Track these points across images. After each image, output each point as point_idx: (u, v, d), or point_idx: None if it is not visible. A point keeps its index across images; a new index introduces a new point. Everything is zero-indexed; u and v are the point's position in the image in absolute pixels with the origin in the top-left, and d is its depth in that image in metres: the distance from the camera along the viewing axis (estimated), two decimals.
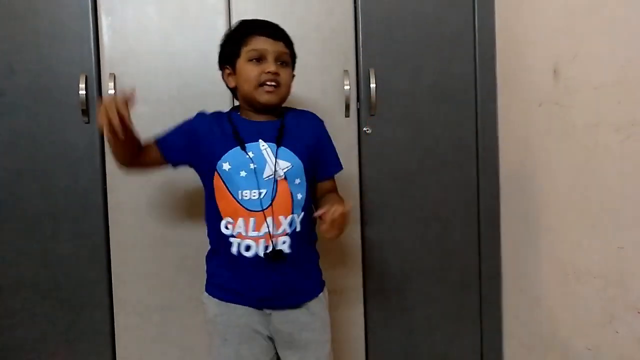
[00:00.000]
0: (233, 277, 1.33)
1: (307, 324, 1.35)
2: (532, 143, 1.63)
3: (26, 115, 1.66)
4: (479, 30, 1.80)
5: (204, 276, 1.40)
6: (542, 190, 1.59)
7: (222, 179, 1.30)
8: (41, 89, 1.66)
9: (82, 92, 1.64)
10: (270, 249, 1.28)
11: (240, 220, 1.29)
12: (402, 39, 1.77)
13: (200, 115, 1.38)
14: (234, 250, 1.30)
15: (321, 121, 1.42)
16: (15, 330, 1.71)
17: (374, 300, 1.82)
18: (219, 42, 1.38)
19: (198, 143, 1.33)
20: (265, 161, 1.29)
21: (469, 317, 1.87)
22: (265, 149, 1.30)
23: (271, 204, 1.28)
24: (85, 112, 1.65)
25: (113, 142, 1.22)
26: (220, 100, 1.63)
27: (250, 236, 1.28)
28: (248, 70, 1.30)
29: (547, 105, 1.53)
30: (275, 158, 1.29)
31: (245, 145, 1.30)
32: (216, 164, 1.30)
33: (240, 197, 1.29)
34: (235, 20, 1.68)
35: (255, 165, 1.28)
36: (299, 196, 1.31)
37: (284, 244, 1.29)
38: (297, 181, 1.31)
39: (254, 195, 1.28)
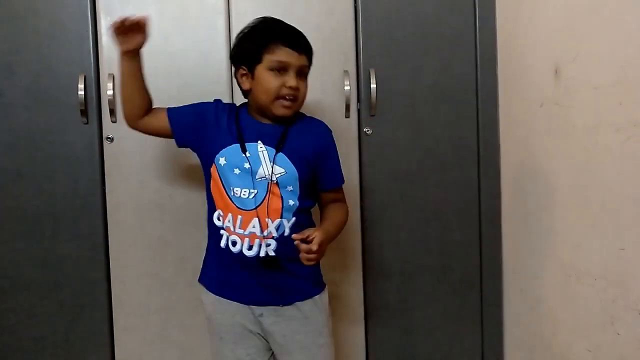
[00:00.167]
0: (220, 270, 1.36)
1: (299, 328, 1.34)
2: (532, 143, 1.63)
3: (25, 116, 1.66)
4: (479, 31, 1.79)
5: None
6: (543, 191, 1.58)
7: (218, 172, 1.31)
8: (40, 89, 1.66)
9: (81, 92, 1.64)
10: (255, 250, 1.28)
11: (229, 216, 1.30)
12: (403, 39, 1.77)
13: (216, 102, 1.39)
14: (222, 243, 1.32)
15: (329, 132, 1.40)
16: (15, 330, 1.72)
17: (374, 301, 1.82)
18: (238, 35, 1.35)
19: (204, 128, 1.34)
20: (260, 163, 1.29)
21: (470, 318, 1.87)
22: (262, 151, 1.30)
23: (260, 206, 1.28)
24: (85, 112, 1.65)
25: (126, 73, 1.29)
26: None
27: (237, 233, 1.29)
28: (269, 81, 1.28)
29: (547, 105, 1.53)
30: (272, 163, 1.29)
31: (245, 144, 1.30)
32: (214, 156, 1.31)
33: (231, 194, 1.30)
34: (235, 21, 1.68)
35: (250, 166, 1.28)
36: (291, 202, 1.31)
37: (268, 247, 1.29)
38: (290, 188, 1.31)
39: (245, 194, 1.29)
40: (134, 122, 1.37)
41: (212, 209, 1.35)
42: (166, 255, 1.72)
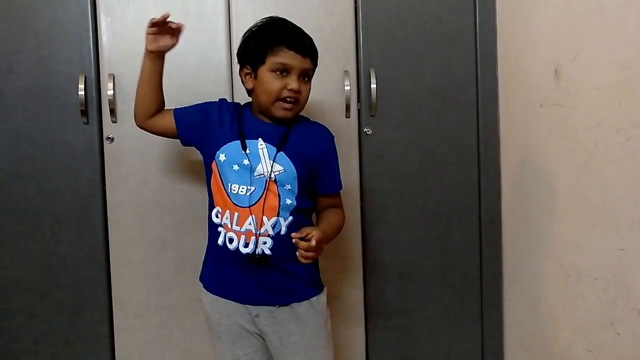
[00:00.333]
0: (217, 269, 1.36)
1: (295, 330, 1.34)
2: (533, 144, 1.63)
3: (25, 116, 1.66)
4: (479, 31, 1.79)
5: None
6: (543, 191, 1.58)
7: (217, 168, 1.32)
8: (40, 90, 1.66)
9: (81, 92, 1.63)
10: (251, 247, 1.29)
11: (227, 212, 1.31)
12: (403, 39, 1.77)
13: (220, 101, 1.40)
14: (220, 240, 1.32)
15: (332, 137, 1.40)
16: (15, 330, 1.71)
17: (374, 301, 1.82)
18: (245, 34, 1.35)
19: (207, 127, 1.35)
20: (260, 160, 1.30)
21: (470, 318, 1.87)
22: (262, 148, 1.31)
23: (257, 203, 1.29)
24: (85, 112, 1.65)
25: (146, 72, 1.33)
26: None
27: (234, 230, 1.30)
28: (270, 82, 1.28)
29: (548, 106, 1.53)
30: (272, 160, 1.29)
31: (246, 141, 1.31)
32: (215, 152, 1.32)
33: (229, 190, 1.30)
34: (235, 21, 1.68)
35: (250, 162, 1.29)
36: (288, 201, 1.31)
37: (264, 245, 1.29)
38: (288, 187, 1.31)
39: (242, 191, 1.29)
40: (142, 121, 1.39)
41: (211, 206, 1.36)
42: (166, 255, 1.72)
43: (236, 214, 1.30)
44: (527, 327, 1.71)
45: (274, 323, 1.34)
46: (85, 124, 1.67)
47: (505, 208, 1.83)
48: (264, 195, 1.29)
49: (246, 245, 1.29)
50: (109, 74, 1.65)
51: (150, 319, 1.74)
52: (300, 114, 1.39)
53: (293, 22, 1.35)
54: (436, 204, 1.82)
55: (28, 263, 1.70)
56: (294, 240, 1.21)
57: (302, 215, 1.35)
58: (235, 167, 1.30)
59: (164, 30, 1.30)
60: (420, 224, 1.82)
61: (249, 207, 1.29)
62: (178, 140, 1.41)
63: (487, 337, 1.88)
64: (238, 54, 1.37)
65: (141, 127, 1.41)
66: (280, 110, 1.30)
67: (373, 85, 1.73)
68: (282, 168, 1.30)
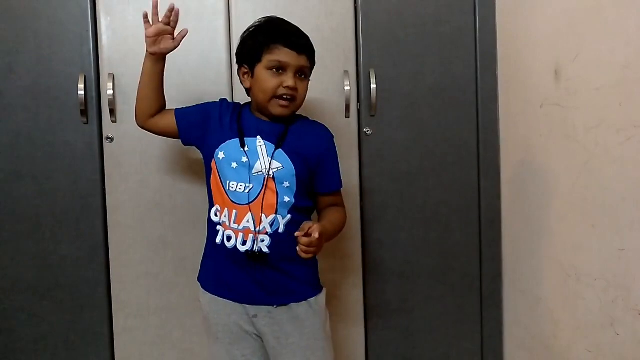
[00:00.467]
0: (216, 268, 1.36)
1: (293, 331, 1.33)
2: (533, 144, 1.63)
3: (25, 116, 1.66)
4: (479, 31, 1.79)
5: None
6: (543, 192, 1.58)
7: (216, 166, 1.33)
8: (40, 89, 1.66)
9: (81, 92, 1.63)
10: (249, 245, 1.29)
11: (225, 210, 1.31)
12: (403, 39, 1.76)
13: (221, 101, 1.41)
14: (218, 239, 1.33)
15: (331, 136, 1.41)
16: (14, 330, 1.71)
17: (374, 301, 1.82)
18: (243, 34, 1.36)
19: (207, 126, 1.36)
20: (258, 157, 1.30)
21: (470, 319, 1.87)
22: (260, 145, 1.31)
23: (255, 200, 1.29)
24: (84, 112, 1.65)
25: (147, 73, 1.34)
26: None
27: (232, 228, 1.30)
28: (266, 80, 1.29)
29: (548, 106, 1.53)
30: (271, 158, 1.30)
31: (244, 139, 1.32)
32: (214, 151, 1.33)
33: (227, 188, 1.31)
34: (235, 21, 1.68)
35: (248, 160, 1.29)
36: (286, 199, 1.31)
37: (262, 242, 1.29)
38: (286, 184, 1.31)
39: (240, 188, 1.30)
40: (143, 121, 1.40)
41: (211, 205, 1.36)
42: (166, 255, 1.72)
43: (234, 211, 1.30)
44: (527, 327, 1.71)
45: (272, 323, 1.34)
46: (85, 124, 1.67)
47: (505, 208, 1.83)
48: (262, 192, 1.29)
49: (244, 242, 1.29)
50: (109, 74, 1.65)
51: (150, 319, 1.74)
52: (300, 113, 1.40)
53: (293, 22, 1.36)
54: (436, 204, 1.82)
55: (28, 263, 1.70)
56: (295, 234, 1.20)
57: (301, 214, 1.34)
58: (234, 164, 1.30)
59: (165, 32, 1.30)
60: (420, 224, 1.82)
61: (247, 204, 1.29)
62: (178, 140, 1.42)
63: (487, 337, 1.88)
64: (236, 54, 1.39)
65: (142, 127, 1.42)
66: (277, 108, 1.30)
67: (373, 86, 1.73)
68: (281, 165, 1.30)
